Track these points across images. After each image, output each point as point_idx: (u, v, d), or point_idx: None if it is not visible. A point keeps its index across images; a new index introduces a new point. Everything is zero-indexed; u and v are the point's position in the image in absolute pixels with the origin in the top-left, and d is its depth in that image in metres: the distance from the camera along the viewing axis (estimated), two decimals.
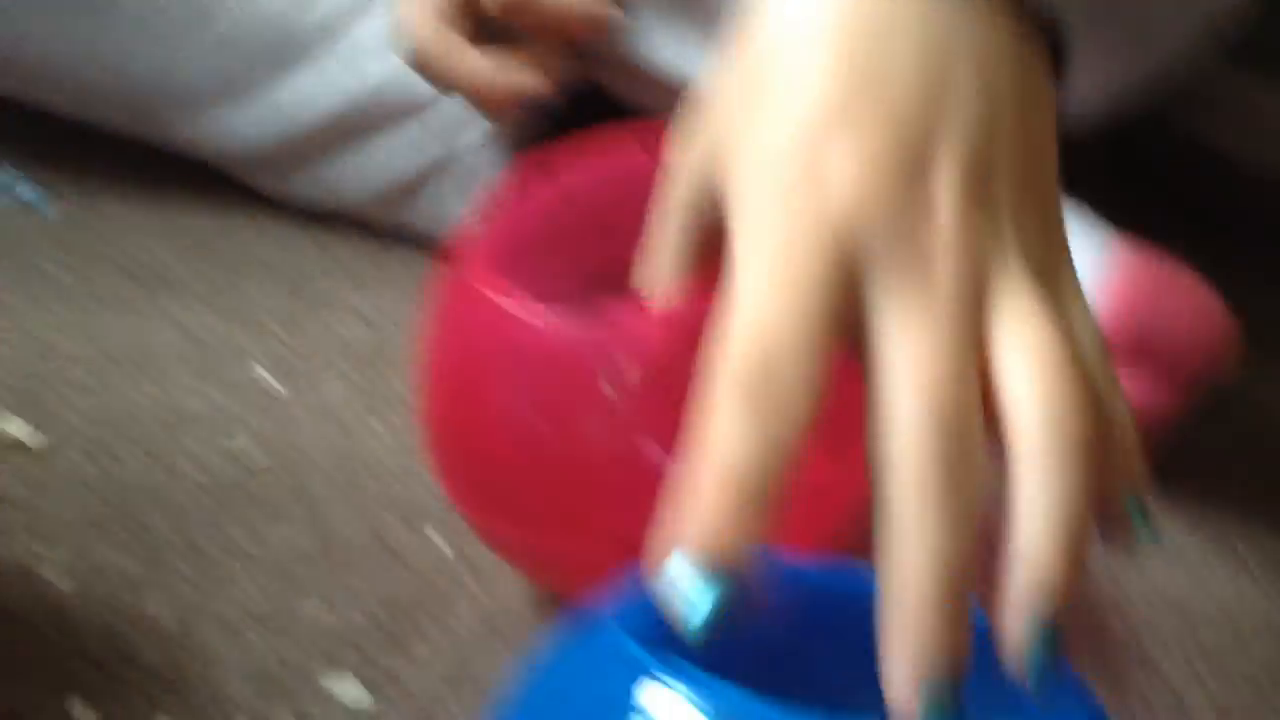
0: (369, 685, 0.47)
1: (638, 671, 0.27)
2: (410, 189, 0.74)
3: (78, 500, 0.54)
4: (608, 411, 0.42)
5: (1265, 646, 0.52)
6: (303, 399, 0.61)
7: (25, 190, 0.74)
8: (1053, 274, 0.31)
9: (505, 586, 0.52)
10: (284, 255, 0.72)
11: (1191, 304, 0.55)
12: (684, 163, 0.35)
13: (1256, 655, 0.51)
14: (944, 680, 0.27)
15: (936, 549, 0.27)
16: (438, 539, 0.54)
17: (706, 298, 0.41)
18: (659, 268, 0.37)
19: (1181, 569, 0.56)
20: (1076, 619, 0.32)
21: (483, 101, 0.61)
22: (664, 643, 0.28)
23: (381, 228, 0.76)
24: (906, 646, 0.27)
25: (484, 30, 0.60)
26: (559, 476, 0.43)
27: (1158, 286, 0.55)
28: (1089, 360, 0.30)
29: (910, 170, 0.30)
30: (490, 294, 0.44)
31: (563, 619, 0.32)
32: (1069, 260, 0.32)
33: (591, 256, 0.52)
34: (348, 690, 0.47)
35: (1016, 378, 0.29)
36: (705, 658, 0.28)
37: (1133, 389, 0.55)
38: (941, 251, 0.29)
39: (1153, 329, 0.54)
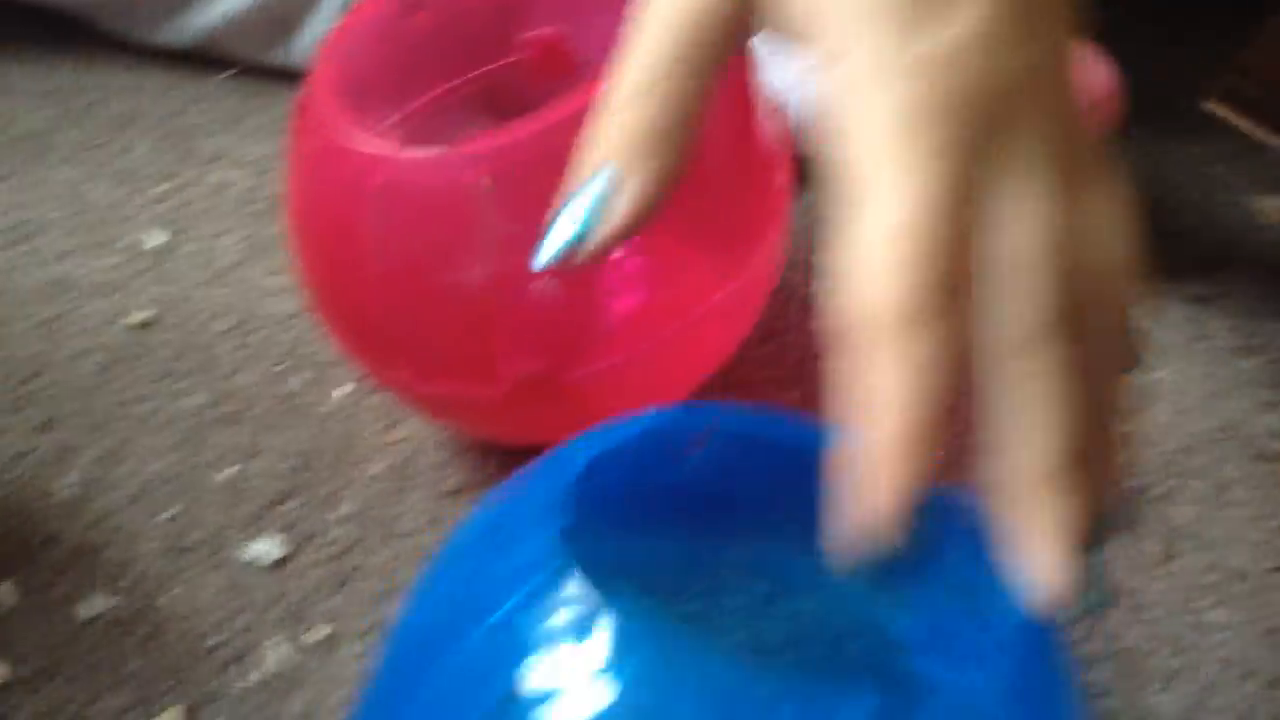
0: (285, 538, 0.47)
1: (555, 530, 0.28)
2: (285, 24, 0.71)
3: None
4: (478, 241, 0.41)
5: (1178, 425, 0.53)
6: (192, 255, 0.60)
7: None
8: (1077, 145, 0.29)
9: (412, 428, 0.52)
10: (163, 110, 0.70)
11: (1078, 71, 0.54)
12: None
13: (1169, 437, 0.53)
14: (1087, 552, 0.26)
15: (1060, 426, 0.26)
16: (340, 390, 0.54)
17: (567, 107, 0.40)
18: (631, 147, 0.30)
19: None
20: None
21: None
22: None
23: (261, 69, 0.73)
24: (1040, 528, 0.26)
25: None
26: (441, 316, 0.43)
27: None
28: (1101, 238, 0.28)
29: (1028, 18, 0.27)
30: (339, 125, 0.42)
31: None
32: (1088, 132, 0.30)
33: (456, 71, 0.51)
34: (263, 545, 0.47)
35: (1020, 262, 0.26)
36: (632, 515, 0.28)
37: None
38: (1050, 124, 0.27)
39: None
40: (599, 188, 0.29)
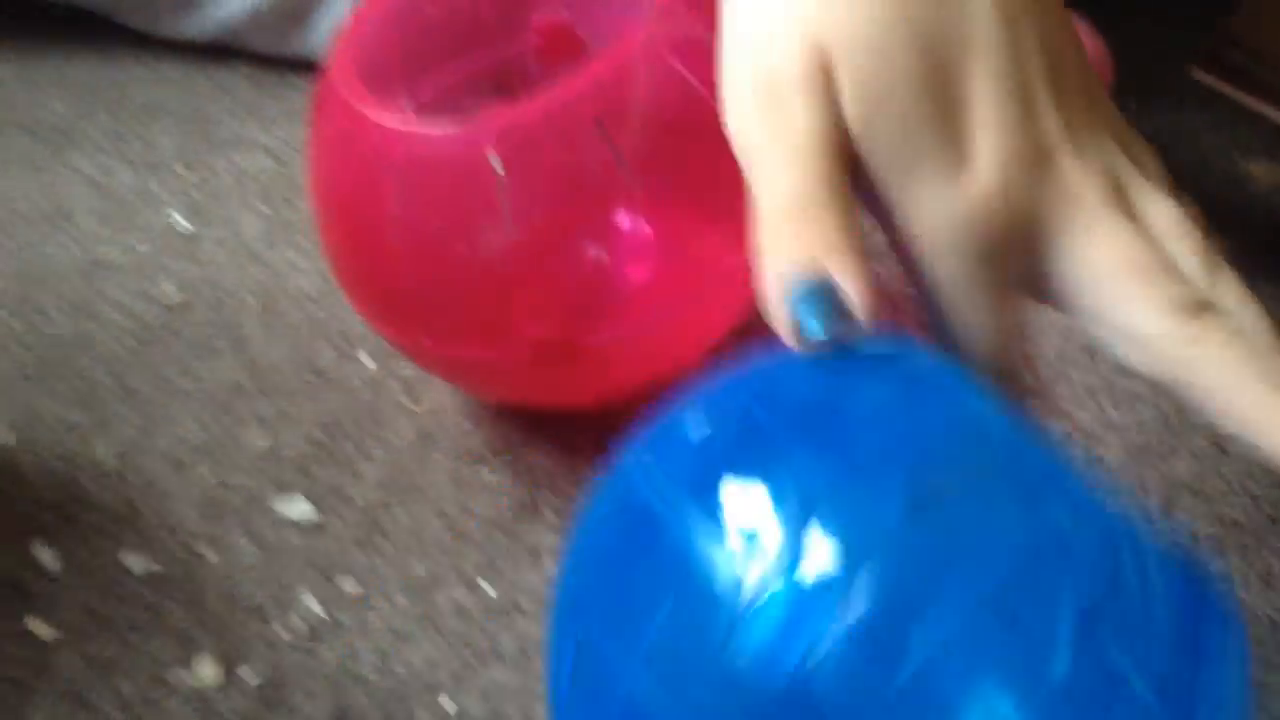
0: (314, 501, 0.49)
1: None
2: (299, 16, 0.73)
3: (9, 355, 0.55)
4: (498, 210, 0.42)
5: None
6: (219, 238, 0.62)
7: None
8: (1130, 141, 0.35)
9: (436, 397, 0.54)
10: (183, 98, 0.72)
11: None
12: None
13: (1167, 395, 0.54)
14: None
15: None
16: (366, 359, 0.55)
17: (579, 83, 0.42)
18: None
19: None
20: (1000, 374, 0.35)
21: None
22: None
23: (278, 60, 0.75)
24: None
25: None
26: (460, 283, 0.45)
27: None
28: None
29: (1026, 120, 0.32)
30: (359, 106, 0.44)
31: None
32: (1134, 132, 0.36)
33: (467, 57, 0.53)
34: (295, 508, 0.49)
35: (1181, 250, 0.33)
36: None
37: None
38: (1078, 177, 0.32)
39: None
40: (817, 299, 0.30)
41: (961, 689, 0.25)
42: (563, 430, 0.52)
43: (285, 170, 0.66)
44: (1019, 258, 0.32)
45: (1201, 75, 0.70)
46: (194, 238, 0.62)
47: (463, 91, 0.54)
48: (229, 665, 0.44)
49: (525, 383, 0.49)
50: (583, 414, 0.51)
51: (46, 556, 0.48)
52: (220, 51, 0.75)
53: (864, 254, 0.30)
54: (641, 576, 0.29)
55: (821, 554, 0.26)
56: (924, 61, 0.31)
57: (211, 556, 0.48)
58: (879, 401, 0.29)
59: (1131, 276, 0.31)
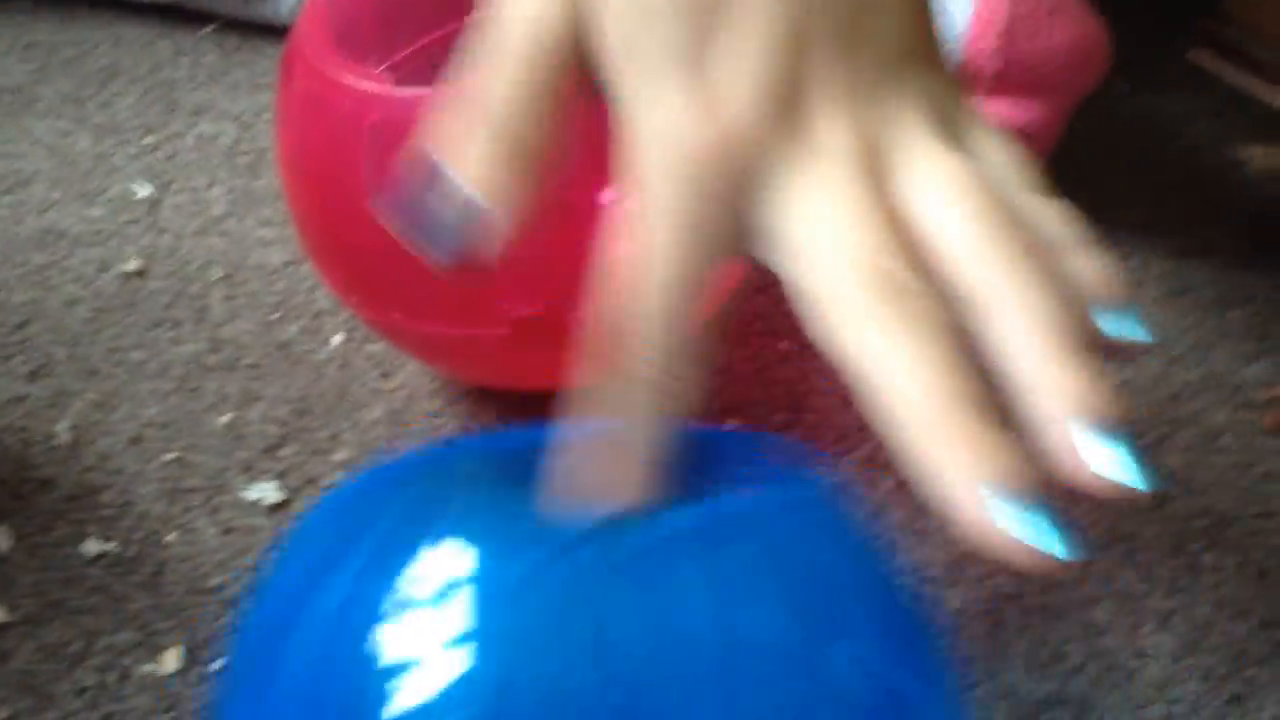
0: (282, 484, 0.47)
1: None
2: None
3: None
4: None
5: (1166, 375, 0.54)
6: (180, 206, 0.60)
7: None
8: (949, 113, 0.29)
9: (406, 377, 0.52)
10: (146, 64, 0.70)
11: (1068, 25, 0.55)
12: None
13: (1158, 387, 0.53)
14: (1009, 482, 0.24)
15: (923, 374, 0.25)
16: (334, 335, 0.53)
17: None
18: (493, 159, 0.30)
19: None
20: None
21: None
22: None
23: (243, 24, 0.73)
24: (949, 460, 0.25)
25: None
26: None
27: (1035, 7, 0.55)
28: (1006, 182, 0.29)
29: (788, 64, 0.28)
30: (331, 68, 0.42)
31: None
32: (961, 96, 0.30)
33: (441, 21, 0.51)
34: (262, 491, 0.47)
35: (934, 216, 0.27)
36: None
37: (1015, 114, 0.55)
38: (824, 131, 0.28)
39: (1033, 52, 0.54)
40: (458, 209, 0.29)
41: None
42: (539, 412, 0.50)
43: (250, 139, 0.64)
44: (736, 200, 0.28)
45: (1198, 56, 0.69)
46: (155, 206, 0.60)
47: (438, 55, 0.52)
48: (191, 652, 0.42)
49: (502, 363, 0.47)
50: (558, 396, 0.49)
51: (2, 539, 0.45)
52: (183, 14, 0.72)
53: (524, 159, 0.29)
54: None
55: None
56: None
57: (172, 539, 0.46)
58: None
59: (827, 236, 0.27)
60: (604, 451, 0.29)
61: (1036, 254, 0.27)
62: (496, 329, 0.43)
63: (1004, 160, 0.29)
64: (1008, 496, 0.24)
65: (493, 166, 0.29)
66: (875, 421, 0.26)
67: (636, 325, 0.28)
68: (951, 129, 0.29)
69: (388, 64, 0.51)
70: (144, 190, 0.60)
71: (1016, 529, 0.24)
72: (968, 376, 0.25)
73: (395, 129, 0.42)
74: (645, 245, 0.28)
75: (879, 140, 0.28)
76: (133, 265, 0.56)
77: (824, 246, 0.27)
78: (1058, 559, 0.24)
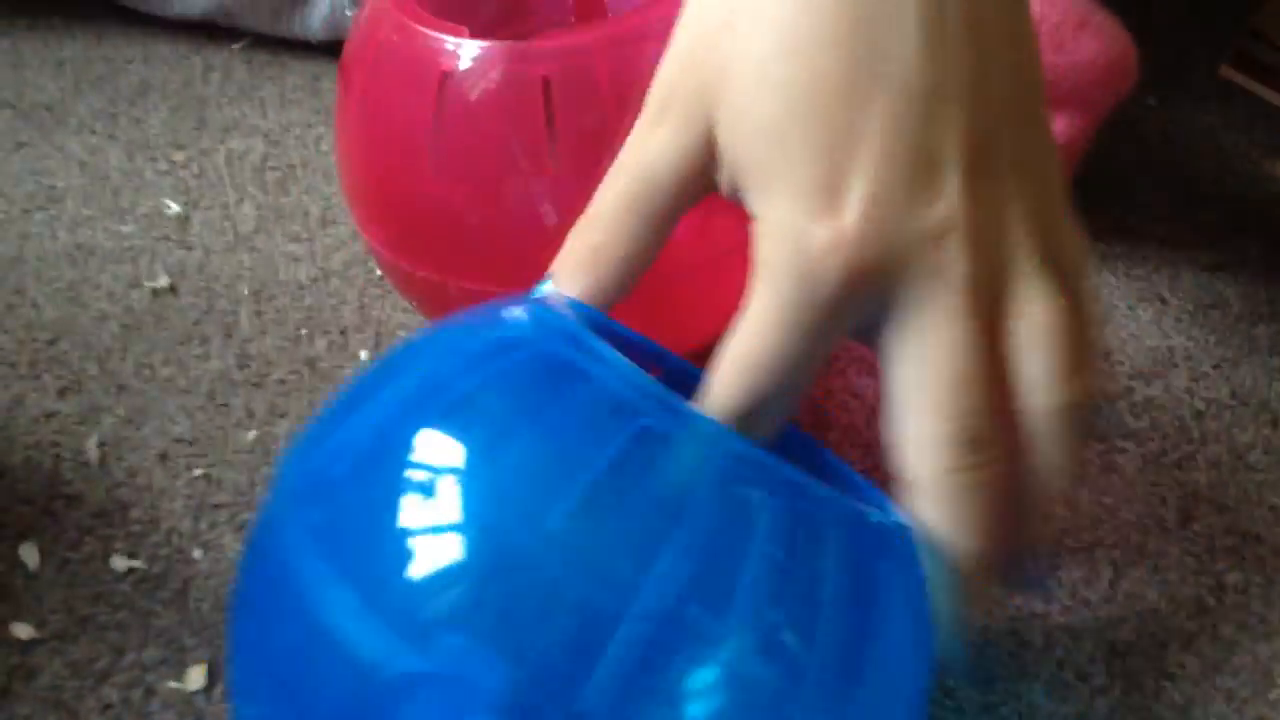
0: None
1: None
2: None
3: None
4: (544, 141, 0.41)
5: (1194, 391, 0.53)
6: (212, 225, 0.60)
7: None
8: (1055, 229, 0.32)
9: None
10: (176, 80, 0.70)
11: (1097, 38, 0.55)
12: (674, 97, 0.33)
13: (1185, 403, 0.53)
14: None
15: (965, 541, 0.31)
16: (362, 353, 0.54)
17: (639, 17, 0.41)
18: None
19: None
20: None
21: None
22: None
23: (272, 40, 0.73)
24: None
25: None
26: (495, 214, 0.43)
27: (1063, 20, 0.55)
28: (1088, 321, 0.32)
29: (921, 167, 0.30)
30: (414, 20, 0.43)
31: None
32: (1066, 203, 0.33)
33: (509, 27, 0.52)
34: None
35: (1032, 361, 0.31)
36: None
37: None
38: (955, 245, 0.30)
39: (1061, 66, 0.54)
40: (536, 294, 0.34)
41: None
42: None
43: (279, 154, 0.65)
44: (853, 310, 0.31)
45: (1229, 73, 0.69)
46: (184, 222, 0.60)
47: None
48: (216, 669, 0.43)
49: None
50: None
51: (29, 554, 0.46)
52: (214, 31, 0.73)
53: (607, 276, 0.33)
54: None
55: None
56: (822, 88, 0.30)
57: (199, 555, 0.46)
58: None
59: (930, 390, 0.30)
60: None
61: (1085, 408, 0.32)
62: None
63: (1085, 284, 0.33)
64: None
65: (572, 258, 0.34)
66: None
67: (749, 401, 0.31)
68: (1055, 238, 0.32)
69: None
70: (174, 206, 0.61)
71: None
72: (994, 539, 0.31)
73: (467, 79, 0.42)
74: (766, 332, 0.31)
75: (1004, 268, 0.31)
76: (162, 281, 0.57)
77: (927, 396, 0.30)
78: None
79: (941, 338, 0.30)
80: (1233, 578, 0.46)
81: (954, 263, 0.30)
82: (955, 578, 0.31)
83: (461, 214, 0.45)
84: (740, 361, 0.31)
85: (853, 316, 0.31)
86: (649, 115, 0.34)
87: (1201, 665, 0.44)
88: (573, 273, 0.34)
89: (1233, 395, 0.53)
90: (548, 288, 0.34)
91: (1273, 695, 0.43)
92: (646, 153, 0.33)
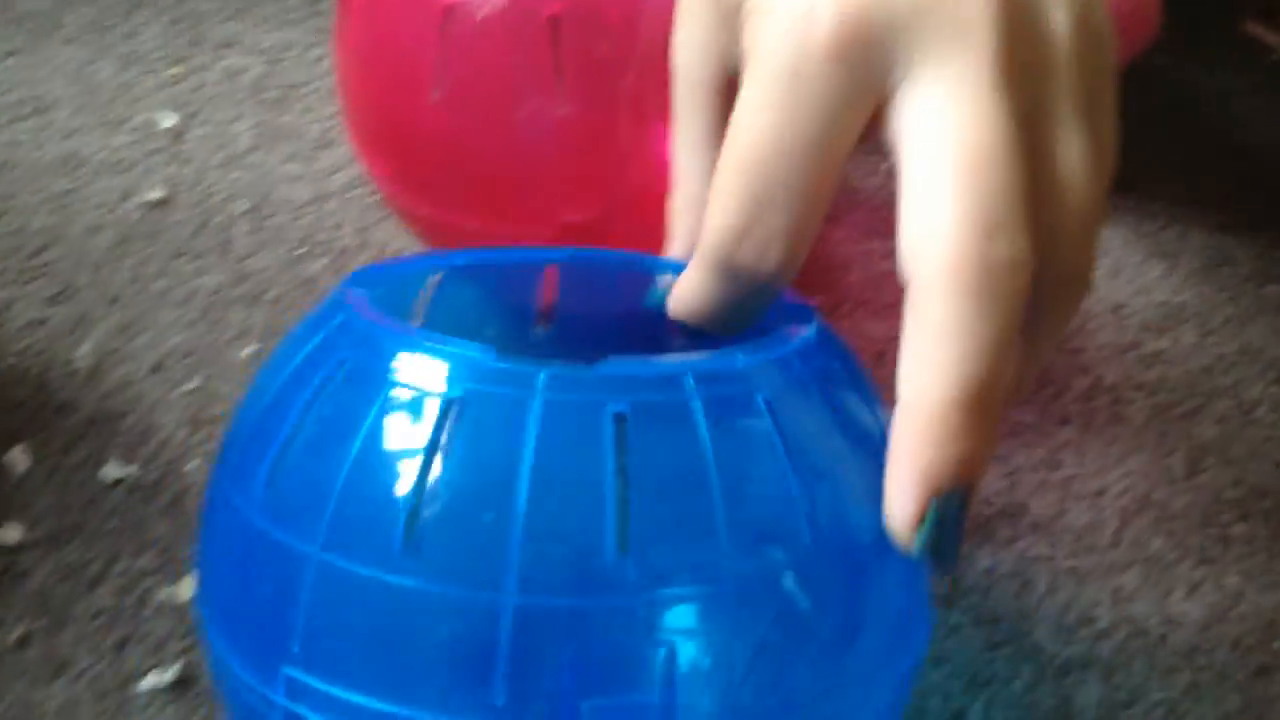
0: None
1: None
2: None
3: None
4: (542, 77, 0.40)
5: (1202, 346, 0.53)
6: (208, 141, 0.59)
7: None
8: (1098, 73, 0.28)
9: None
10: None
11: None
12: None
13: (1194, 357, 0.53)
14: (951, 497, 0.25)
15: (963, 364, 0.25)
16: None
17: None
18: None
19: (1122, 278, 0.57)
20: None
21: None
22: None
23: None
24: (915, 460, 0.25)
25: None
26: (498, 150, 0.43)
27: None
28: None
29: None
30: None
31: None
32: (1112, 57, 0.29)
33: None
34: None
35: (1065, 177, 0.27)
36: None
37: None
38: (980, 22, 0.26)
39: None
40: None
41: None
42: None
43: (278, 74, 0.63)
44: (858, 76, 0.26)
45: (1252, 28, 0.68)
46: (179, 137, 0.59)
47: None
48: None
49: None
50: None
51: (17, 458, 0.45)
52: None
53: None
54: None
55: None
56: None
57: (194, 468, 0.45)
58: None
59: (952, 165, 0.25)
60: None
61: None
62: (544, 231, 0.43)
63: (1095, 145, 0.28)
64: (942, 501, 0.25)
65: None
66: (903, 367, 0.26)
67: (762, 190, 0.27)
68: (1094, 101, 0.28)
69: None
70: (168, 121, 0.60)
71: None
72: (1002, 375, 0.25)
73: (470, 10, 0.41)
74: (756, 118, 0.27)
75: (1034, 39, 0.26)
76: (156, 195, 0.55)
77: (948, 173, 0.25)
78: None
79: (968, 108, 0.25)
80: (1238, 529, 0.46)
81: (983, 22, 0.26)
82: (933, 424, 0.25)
83: (466, 150, 0.44)
84: (733, 163, 0.27)
85: (860, 87, 0.26)
86: (676, 19, 0.31)
87: (1206, 613, 0.43)
88: (673, 229, 0.32)
89: (1241, 351, 0.53)
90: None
91: (1276, 645, 0.43)
92: (678, 52, 0.31)
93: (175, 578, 0.42)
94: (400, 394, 0.25)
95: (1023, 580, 0.44)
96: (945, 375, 0.25)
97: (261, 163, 0.58)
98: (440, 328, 0.31)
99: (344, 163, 0.58)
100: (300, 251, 0.54)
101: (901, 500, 0.25)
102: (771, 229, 0.27)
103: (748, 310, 0.29)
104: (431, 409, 0.25)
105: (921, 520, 0.25)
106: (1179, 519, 0.46)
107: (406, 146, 0.46)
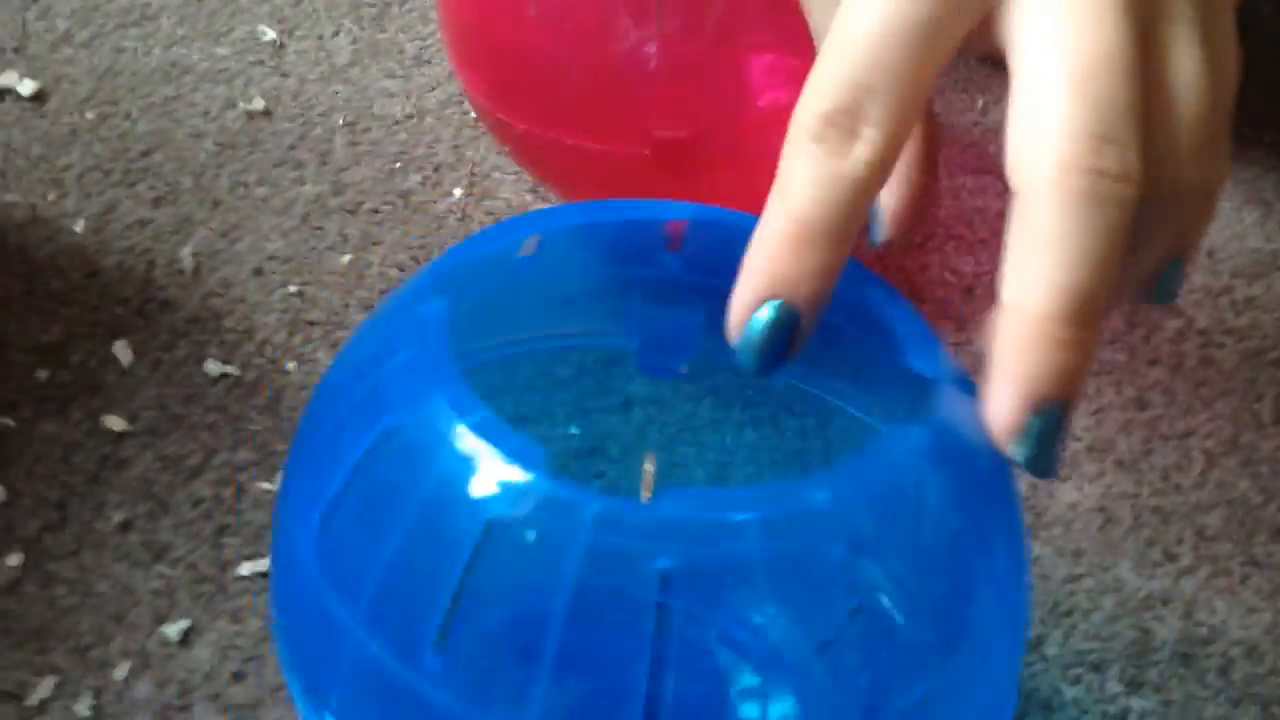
0: None
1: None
2: None
3: (85, 150, 0.53)
4: (655, 9, 0.41)
5: None
6: (308, 55, 0.60)
7: None
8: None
9: None
10: None
11: None
12: None
13: None
14: (1051, 410, 0.25)
15: (1067, 273, 0.25)
16: (456, 190, 0.53)
17: None
18: None
19: (1217, 223, 0.56)
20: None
21: None
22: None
23: None
24: (1017, 370, 0.25)
25: None
26: (601, 69, 0.43)
27: None
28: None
29: None
30: None
31: None
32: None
33: None
34: None
35: (1182, 95, 0.26)
36: None
37: None
38: None
39: None
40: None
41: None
42: None
43: None
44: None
45: None
46: (280, 49, 0.60)
47: None
48: None
49: (635, 188, 0.47)
50: None
51: (124, 353, 0.46)
52: None
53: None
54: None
55: None
56: None
57: (292, 368, 0.46)
58: None
59: (1066, 71, 0.25)
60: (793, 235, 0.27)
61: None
62: (638, 148, 0.43)
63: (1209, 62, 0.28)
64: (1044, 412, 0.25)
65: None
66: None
67: (865, 88, 0.26)
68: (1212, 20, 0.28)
69: None
70: (270, 33, 0.60)
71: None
72: (1105, 287, 0.25)
73: None
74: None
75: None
76: (258, 104, 0.56)
77: (1061, 78, 0.25)
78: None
79: (1084, 15, 0.25)
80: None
81: None
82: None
83: (562, 66, 0.44)
84: (836, 44, 0.26)
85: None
86: None
87: None
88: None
89: None
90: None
91: None
92: None
93: (271, 472, 0.43)
94: (449, 491, 0.24)
95: (1106, 516, 0.44)
96: (1049, 284, 0.25)
97: (360, 78, 0.58)
98: (556, 261, 0.31)
99: (440, 80, 0.58)
100: (396, 166, 0.54)
101: (1003, 410, 0.26)
102: (865, 117, 0.26)
103: (841, 218, 0.27)
104: (476, 520, 0.24)
105: (1022, 429, 0.25)
106: (1265, 463, 0.46)
107: (503, 62, 0.46)
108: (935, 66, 0.27)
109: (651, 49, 0.42)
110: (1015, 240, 0.26)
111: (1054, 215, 0.25)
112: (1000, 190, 0.54)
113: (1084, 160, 0.25)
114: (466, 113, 0.57)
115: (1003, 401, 0.26)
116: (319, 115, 0.56)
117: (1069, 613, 0.41)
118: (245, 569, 0.40)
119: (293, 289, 0.48)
